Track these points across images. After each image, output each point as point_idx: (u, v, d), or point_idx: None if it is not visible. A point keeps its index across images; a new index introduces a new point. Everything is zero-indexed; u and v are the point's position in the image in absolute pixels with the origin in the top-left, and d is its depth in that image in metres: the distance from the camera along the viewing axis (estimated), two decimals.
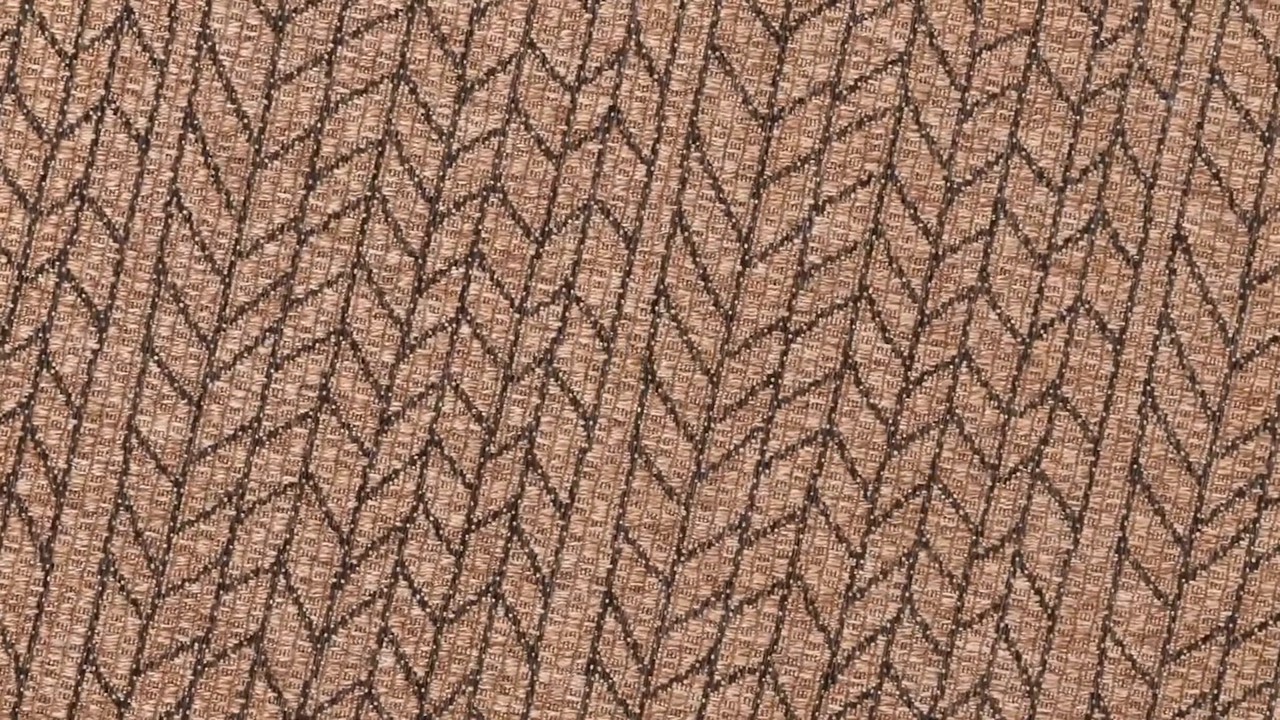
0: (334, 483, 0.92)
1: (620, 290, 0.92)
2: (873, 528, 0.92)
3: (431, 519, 0.92)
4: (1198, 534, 0.91)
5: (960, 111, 0.92)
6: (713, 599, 0.92)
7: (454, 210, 0.92)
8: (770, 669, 0.92)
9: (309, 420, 0.92)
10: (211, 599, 0.92)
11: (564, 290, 0.92)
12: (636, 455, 0.92)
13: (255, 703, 0.91)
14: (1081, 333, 0.92)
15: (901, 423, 0.92)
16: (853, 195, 0.92)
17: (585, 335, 0.92)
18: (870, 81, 0.92)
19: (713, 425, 0.92)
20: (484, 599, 0.92)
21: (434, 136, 0.92)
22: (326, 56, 0.92)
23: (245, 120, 0.92)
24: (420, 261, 0.92)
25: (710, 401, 0.92)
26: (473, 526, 0.92)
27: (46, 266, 0.92)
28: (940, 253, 0.92)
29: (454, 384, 0.92)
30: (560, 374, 0.92)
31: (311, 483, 0.92)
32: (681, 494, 0.92)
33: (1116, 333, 0.92)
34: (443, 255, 0.92)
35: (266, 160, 0.92)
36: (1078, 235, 0.92)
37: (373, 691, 0.91)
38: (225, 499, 0.92)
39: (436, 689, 0.91)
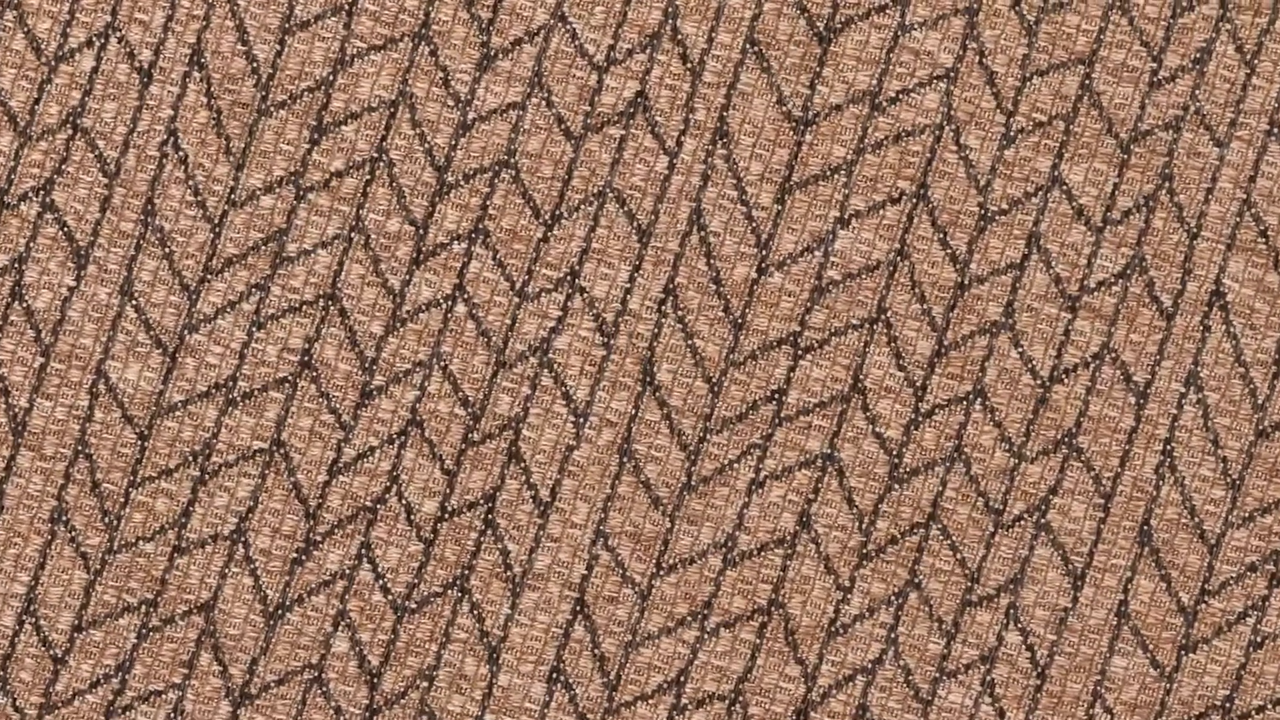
0: (306, 453, 0.88)
1: (627, 285, 0.88)
2: (864, 562, 0.87)
3: (404, 502, 0.87)
4: (1203, 605, 0.87)
5: (1003, 137, 0.88)
6: (689, 618, 0.87)
7: (462, 182, 0.88)
8: (741, 698, 0.87)
9: (287, 385, 0.88)
10: (165, 561, 0.87)
11: (568, 278, 0.88)
12: (625, 459, 0.88)
13: (199, 674, 0.87)
14: (1104, 382, 0.87)
15: (906, 455, 0.87)
16: (881, 212, 0.88)
17: (585, 328, 0.88)
18: (912, 95, 0.88)
19: (709, 436, 0.88)
20: (449, 592, 0.87)
21: (450, 103, 0.88)
22: (346, 7, 0.88)
23: (255, 64, 0.88)
24: (421, 232, 0.88)
25: (709, 411, 0.88)
26: (446, 515, 0.87)
27: (30, 194, 0.88)
28: (966, 282, 0.88)
29: (442, 364, 0.88)
30: (555, 365, 0.88)
31: (282, 451, 0.87)
32: (668, 505, 0.88)
33: (1141, 386, 0.87)
34: (445, 228, 0.88)
35: (272, 109, 0.88)
36: (1112, 279, 0.88)
37: (323, 676, 0.87)
38: (190, 458, 0.87)
39: (390, 680, 0.87)
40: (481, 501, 0.88)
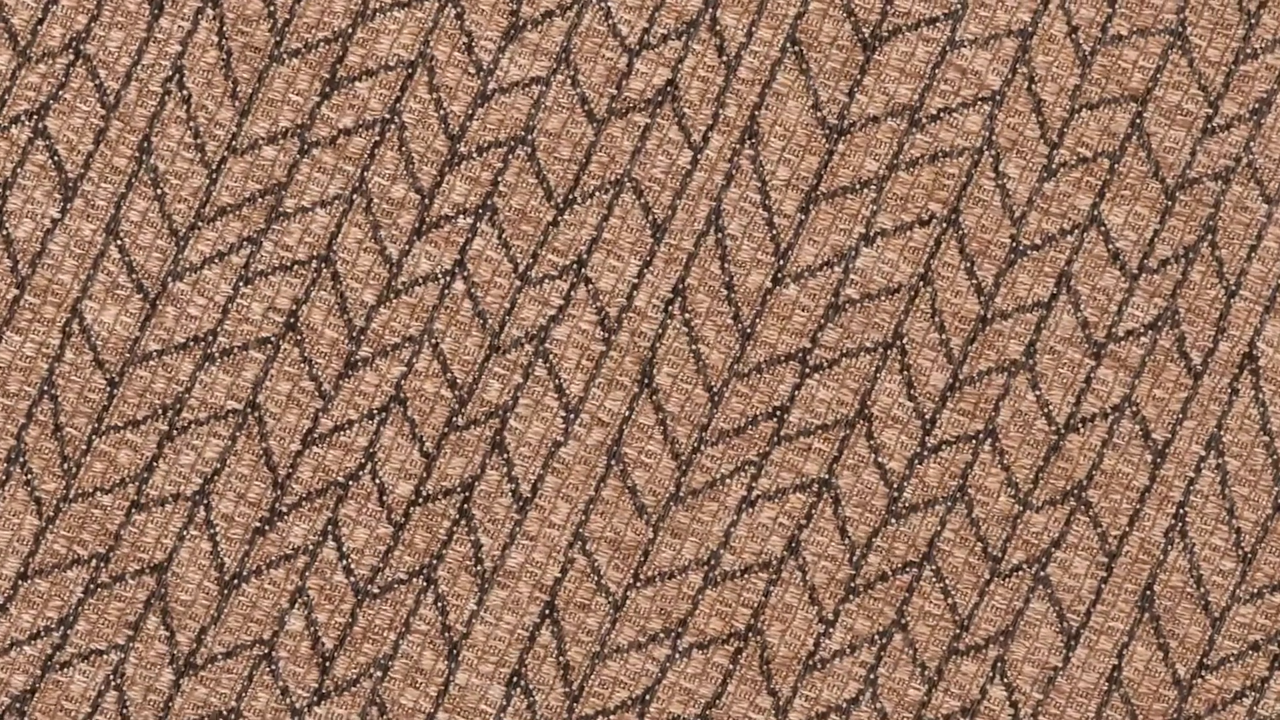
0: (281, 419, 0.83)
1: (635, 280, 0.84)
2: (851, 596, 0.83)
3: (377, 481, 0.83)
4: (1200, 680, 0.83)
5: (1044, 169, 0.84)
6: (661, 635, 0.83)
7: (475, 154, 0.84)
8: None
9: (268, 346, 0.84)
10: (121, 516, 0.83)
11: (574, 266, 0.84)
12: (613, 461, 0.84)
13: (144, 638, 0.83)
14: (1122, 436, 0.83)
15: (907, 490, 0.83)
16: (908, 233, 0.84)
17: (587, 320, 0.84)
18: (954, 115, 0.84)
19: (703, 447, 0.84)
20: (415, 580, 0.83)
21: (471, 70, 0.84)
22: None
23: (271, 8, 0.84)
24: (426, 202, 0.84)
25: (706, 421, 0.84)
26: (420, 499, 0.83)
27: (23, 118, 0.84)
28: (989, 316, 0.84)
29: (433, 341, 0.84)
30: (550, 356, 0.84)
31: (256, 414, 0.83)
32: (653, 514, 0.84)
33: (1160, 444, 0.83)
34: (452, 200, 0.84)
35: (285, 56, 0.84)
36: (1141, 330, 0.83)
37: (273, 654, 0.83)
38: (160, 411, 0.83)
39: (342, 666, 0.83)
40: (458, 489, 0.83)
